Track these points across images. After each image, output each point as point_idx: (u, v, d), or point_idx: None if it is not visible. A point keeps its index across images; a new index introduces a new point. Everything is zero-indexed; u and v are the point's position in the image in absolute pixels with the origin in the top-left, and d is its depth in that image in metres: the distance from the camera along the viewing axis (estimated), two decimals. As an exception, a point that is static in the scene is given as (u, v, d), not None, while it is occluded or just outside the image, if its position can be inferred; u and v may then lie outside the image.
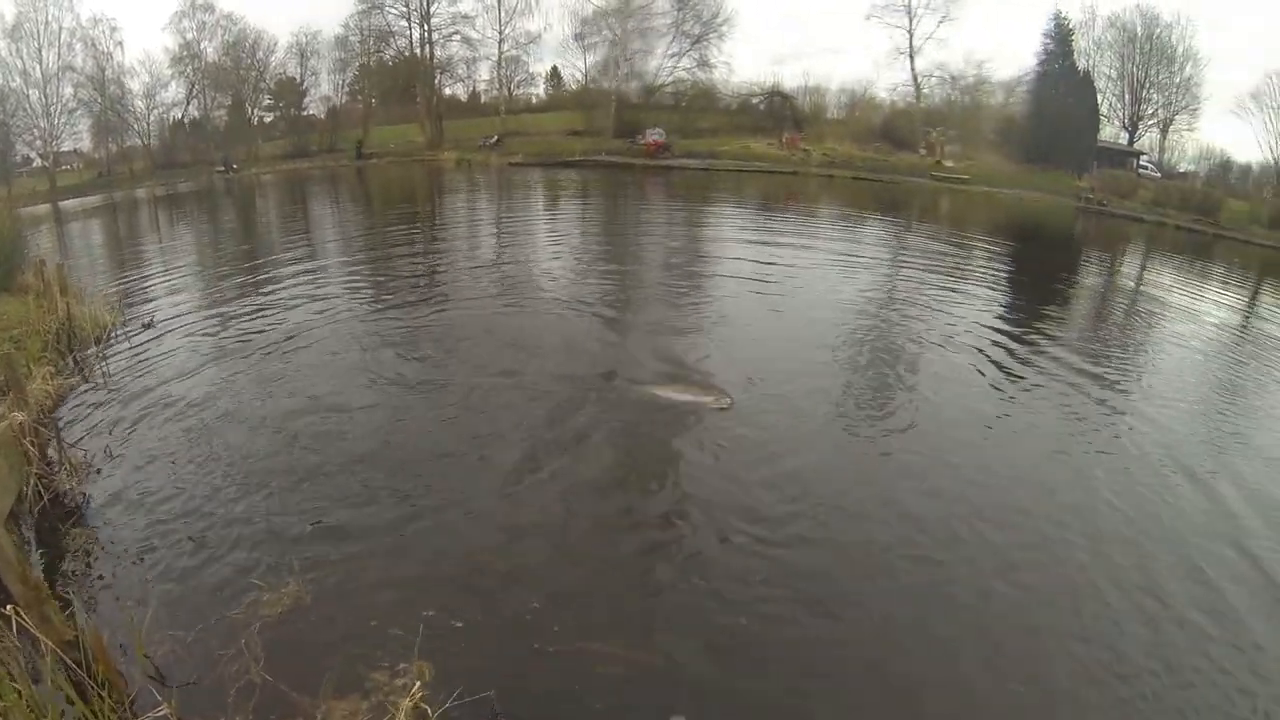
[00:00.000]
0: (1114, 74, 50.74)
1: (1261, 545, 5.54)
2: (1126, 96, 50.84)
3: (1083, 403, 8.34)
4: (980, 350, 9.86)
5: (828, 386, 8.10)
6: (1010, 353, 9.90)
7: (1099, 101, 49.02)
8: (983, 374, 9.04)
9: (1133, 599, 4.79)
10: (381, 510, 5.37)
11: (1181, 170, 48.89)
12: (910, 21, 51.37)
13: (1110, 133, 50.79)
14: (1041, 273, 17.88)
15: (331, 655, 3.86)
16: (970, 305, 12.24)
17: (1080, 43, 49.19)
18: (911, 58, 51.98)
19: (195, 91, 60.23)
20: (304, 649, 3.94)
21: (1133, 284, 18.32)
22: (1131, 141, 51.06)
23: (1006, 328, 11.10)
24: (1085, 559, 5.19)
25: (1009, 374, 9.13)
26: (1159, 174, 47.51)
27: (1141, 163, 49.41)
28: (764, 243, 17.35)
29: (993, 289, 14.31)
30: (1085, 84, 47.58)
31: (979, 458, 6.75)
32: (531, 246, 17.50)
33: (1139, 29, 49.83)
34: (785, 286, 12.71)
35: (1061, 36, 48.09)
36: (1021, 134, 47.66)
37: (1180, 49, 49.29)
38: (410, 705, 3.37)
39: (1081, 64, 48.71)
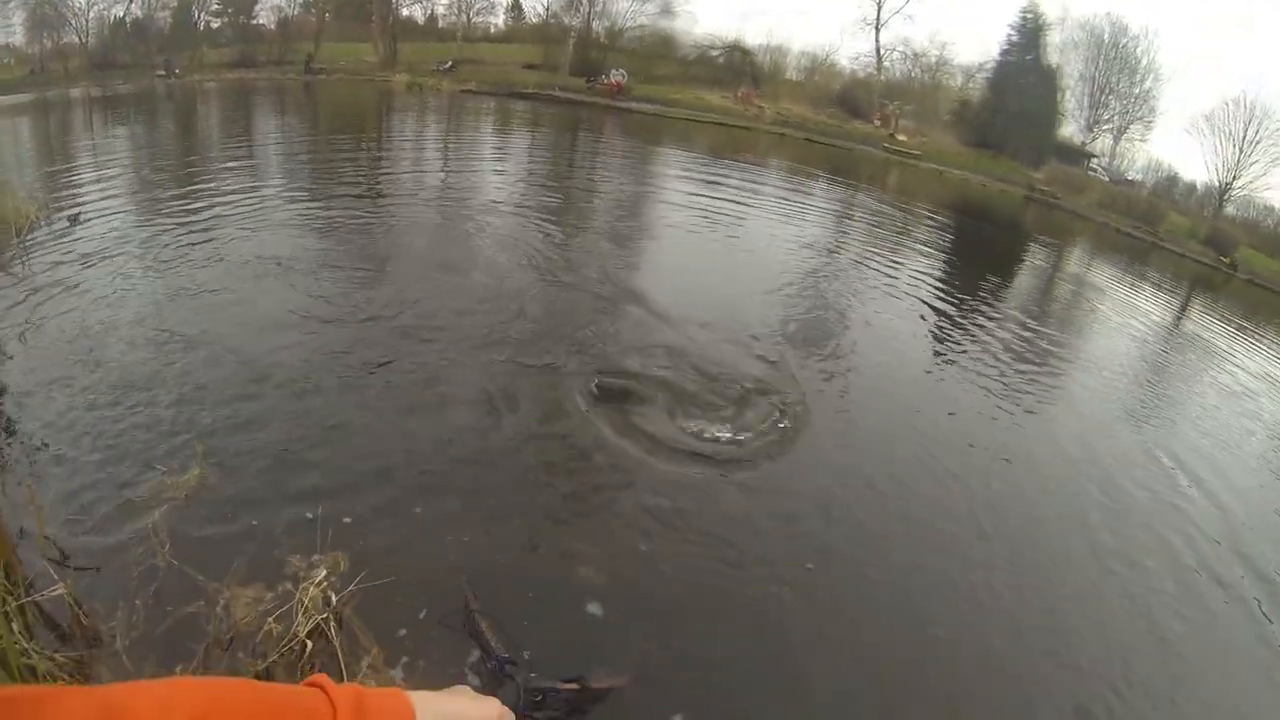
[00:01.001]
0: (1078, 75, 51.78)
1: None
2: (1087, 99, 51.95)
3: (1014, 370, 8.76)
4: (917, 312, 10.22)
5: (753, 322, 8.39)
6: (946, 316, 10.26)
7: (1060, 99, 49.95)
8: (916, 334, 9.36)
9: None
10: (290, 401, 5.44)
11: (1129, 178, 50.27)
12: (880, -8, 51.56)
13: (1068, 132, 51.91)
14: (985, 249, 18.41)
15: (238, 542, 3.87)
16: (909, 269, 12.57)
17: (1051, 39, 49.93)
18: (877, 29, 52.15)
19: (139, -11, 57.33)
20: (210, 535, 3.95)
21: (1074, 273, 18.98)
22: (1086, 143, 52.31)
23: (944, 294, 11.48)
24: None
25: (943, 337, 9.46)
26: (1108, 178, 48.77)
27: (1093, 165, 50.64)
28: (711, 187, 17.54)
29: (934, 258, 14.64)
30: (1050, 79, 48.28)
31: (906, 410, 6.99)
32: (479, 170, 17.45)
33: (1106, 35, 50.82)
34: (727, 230, 12.93)
35: (1031, 30, 48.65)
36: (977, 118, 48.33)
37: (1144, 61, 50.48)
38: (317, 592, 3.38)
39: (1049, 60, 49.46)
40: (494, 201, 13.19)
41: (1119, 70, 50.95)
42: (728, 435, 5.86)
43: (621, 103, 41.81)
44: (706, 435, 5.80)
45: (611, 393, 6.04)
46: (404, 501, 4.45)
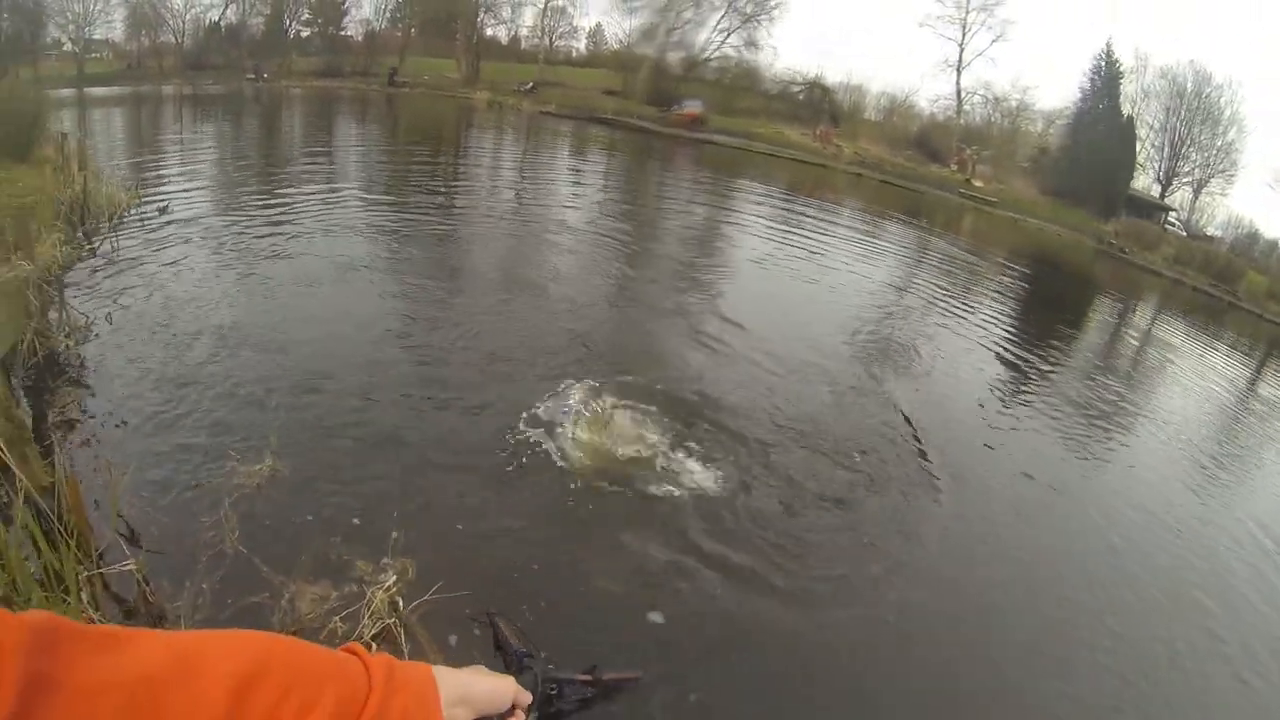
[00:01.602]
0: (1156, 125, 50.32)
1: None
2: (1165, 150, 50.42)
3: (1079, 430, 8.43)
4: (982, 361, 9.95)
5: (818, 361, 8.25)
6: (1013, 369, 9.97)
7: (1137, 149, 48.55)
8: (982, 382, 9.12)
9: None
10: (368, 403, 5.43)
11: (1208, 233, 48.62)
12: (963, 35, 51.02)
13: (1143, 183, 50.47)
14: (1055, 302, 17.98)
15: (308, 537, 3.84)
16: (979, 316, 12.29)
17: (1128, 88, 48.59)
18: (958, 72, 51.65)
19: (235, -4, 59.59)
20: (279, 527, 3.92)
21: (1143, 331, 18.38)
22: (1163, 195, 50.77)
23: (1012, 344, 11.17)
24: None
25: (1008, 390, 9.20)
26: (1185, 233, 47.20)
27: (1169, 219, 49.08)
28: (784, 227, 17.41)
29: (1004, 307, 14.31)
30: (1127, 129, 46.94)
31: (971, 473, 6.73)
32: (553, 191, 17.60)
33: (1189, 85, 49.30)
34: (797, 269, 12.80)
35: (1109, 77, 47.39)
36: (1054, 166, 47.27)
37: (1228, 113, 48.81)
38: (385, 597, 3.34)
39: (1126, 109, 48.11)
40: (565, 223, 13.27)
41: (1201, 121, 49.40)
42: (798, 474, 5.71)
43: (699, 134, 41.74)
44: (776, 463, 5.66)
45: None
46: (478, 519, 4.37)
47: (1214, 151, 49.70)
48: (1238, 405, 12.77)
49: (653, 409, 5.98)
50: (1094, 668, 4.36)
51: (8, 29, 50.39)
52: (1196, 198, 51.08)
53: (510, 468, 4.88)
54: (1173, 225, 48.57)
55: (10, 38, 49.62)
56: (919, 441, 6.75)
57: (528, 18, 59.74)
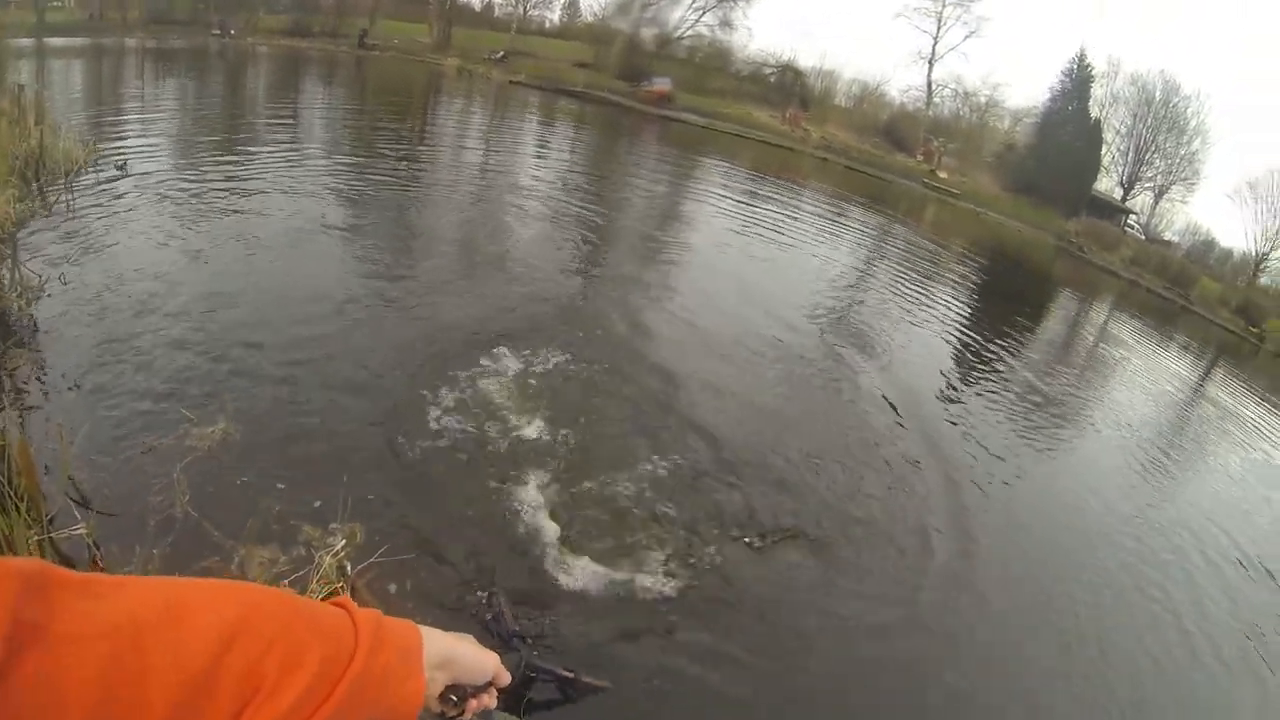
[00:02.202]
0: (1123, 130, 51.22)
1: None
2: (1130, 154, 51.41)
3: (1033, 418, 8.73)
4: (940, 349, 10.20)
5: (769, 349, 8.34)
6: (968, 359, 10.22)
7: (1103, 152, 49.35)
8: (939, 370, 9.36)
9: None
10: (322, 371, 5.47)
11: (1165, 238, 49.71)
12: (938, 29, 51.32)
13: (1106, 185, 51.41)
14: (1015, 295, 18.37)
15: (258, 501, 3.90)
16: (936, 305, 12.53)
17: (1098, 91, 49.31)
18: (930, 64, 52.05)
19: (204, -55, 57.96)
20: (230, 491, 3.97)
21: (1099, 328, 18.88)
22: (1124, 199, 51.78)
23: (970, 333, 11.44)
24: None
25: (965, 378, 9.45)
26: (1143, 236, 48.26)
27: (1129, 221, 50.09)
28: (747, 205, 17.55)
29: (962, 297, 14.58)
30: (1094, 131, 47.73)
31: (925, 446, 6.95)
32: (517, 162, 17.52)
33: (1158, 93, 50.18)
34: (758, 248, 12.93)
35: (1080, 80, 48.06)
36: (1019, 163, 47.93)
37: (1193, 123, 49.83)
38: (333, 561, 3.40)
39: (1095, 112, 48.82)
40: (528, 194, 13.31)
41: (1166, 129, 50.39)
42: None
43: (668, 111, 41.63)
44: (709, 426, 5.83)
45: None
46: (428, 485, 4.46)
47: (1177, 160, 50.83)
48: (1186, 403, 13.26)
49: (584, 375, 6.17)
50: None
51: None
52: (1157, 203, 52.25)
53: (450, 435, 4.98)
54: (1132, 228, 49.72)
55: None
56: (874, 420, 6.97)
57: (502, -17, 58.93)
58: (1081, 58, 47.99)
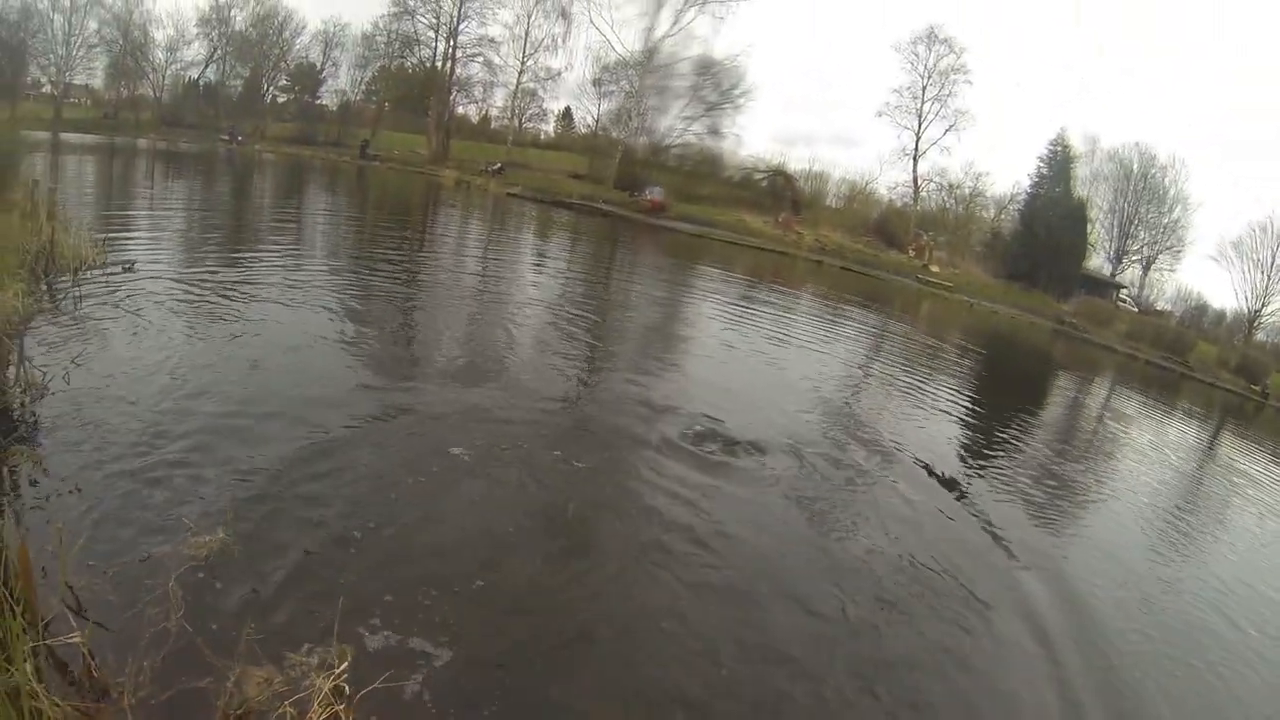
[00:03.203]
0: (1106, 206, 52.73)
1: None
2: (1115, 229, 52.82)
3: (1043, 498, 8.65)
4: (946, 436, 10.15)
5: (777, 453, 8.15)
6: (969, 449, 10.15)
7: (1089, 230, 50.59)
8: (946, 455, 9.27)
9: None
10: (322, 482, 5.26)
11: (1158, 308, 50.48)
12: (919, 124, 53.32)
13: (1096, 263, 52.59)
14: (1011, 382, 18.49)
15: (252, 616, 3.72)
16: (936, 402, 12.52)
17: (1080, 171, 50.91)
18: (915, 160, 53.97)
19: (216, 56, 60.77)
20: (225, 605, 3.80)
21: (1099, 405, 18.94)
22: (1114, 273, 52.85)
23: (969, 425, 11.41)
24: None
25: (966, 470, 9.34)
26: (1137, 308, 49.01)
27: (1122, 295, 50.98)
28: (746, 310, 17.73)
29: (960, 390, 14.60)
30: (1079, 211, 49.12)
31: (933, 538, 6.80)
32: (516, 274, 17.51)
33: (1135, 166, 51.90)
34: (755, 356, 12.93)
35: (1062, 162, 49.62)
36: (1008, 250, 48.94)
37: (1172, 191, 51.49)
38: (330, 685, 3.27)
39: (1078, 192, 50.22)
40: (527, 305, 13.31)
41: (1147, 200, 52.00)
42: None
43: (662, 220, 42.47)
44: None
45: None
46: (434, 608, 4.25)
47: (1160, 229, 52.33)
48: (1195, 469, 13.25)
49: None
50: None
51: None
52: (1146, 274, 53.57)
53: (468, 560, 4.79)
54: (1125, 301, 50.52)
55: None
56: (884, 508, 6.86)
57: (499, 98, 60.90)
58: (1061, 140, 49.85)
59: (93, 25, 56.50)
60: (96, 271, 9.49)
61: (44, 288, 8.33)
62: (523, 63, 57.79)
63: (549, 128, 64.28)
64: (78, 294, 8.31)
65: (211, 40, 60.83)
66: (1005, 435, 11.57)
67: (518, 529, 5.27)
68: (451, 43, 57.83)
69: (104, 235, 11.05)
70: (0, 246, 8.61)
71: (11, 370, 5.67)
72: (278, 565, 4.22)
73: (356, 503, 5.08)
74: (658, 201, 45.53)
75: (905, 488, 7.80)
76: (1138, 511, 9.48)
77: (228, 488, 4.89)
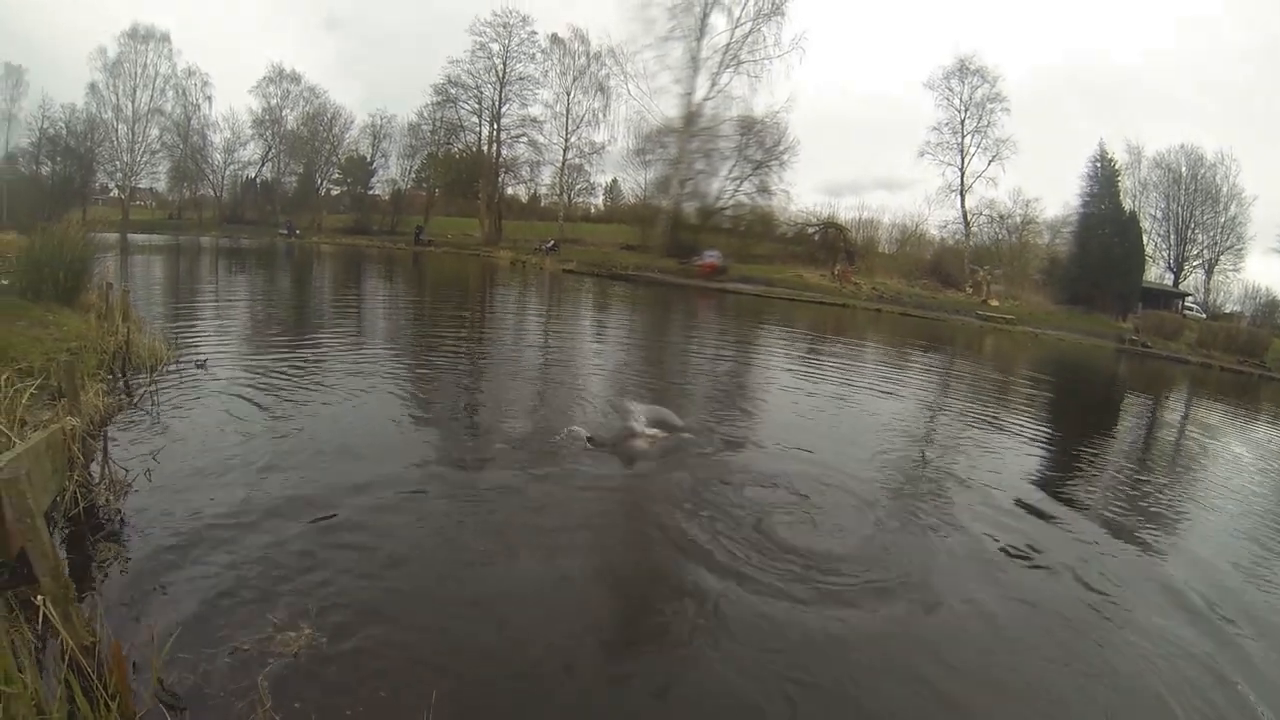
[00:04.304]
0: (1159, 214, 51.21)
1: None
2: (1172, 237, 51.24)
3: (1132, 523, 8.18)
4: (1012, 486, 9.68)
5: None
6: (1043, 488, 9.68)
7: (1144, 242, 48.94)
8: (1014, 510, 8.83)
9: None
10: (408, 575, 5.17)
11: (1227, 311, 48.44)
12: (962, 160, 52.82)
13: (1155, 274, 50.87)
14: (1080, 410, 17.85)
15: (339, 711, 3.73)
16: (1007, 440, 12.12)
17: (1126, 183, 49.51)
18: (962, 195, 53.30)
19: (271, 155, 64.17)
20: (311, 700, 3.79)
21: (1180, 419, 18.13)
22: (1176, 282, 51.03)
23: (1041, 463, 10.96)
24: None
25: (1052, 492, 8.97)
26: (1204, 314, 47.14)
27: (1186, 304, 49.12)
28: (811, 368, 17.49)
29: (1031, 425, 14.13)
30: (1131, 225, 47.60)
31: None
32: (580, 346, 17.42)
33: (1183, 169, 50.29)
34: (829, 408, 12.67)
35: (1105, 178, 48.24)
36: (1064, 275, 47.59)
37: (1225, 188, 49.78)
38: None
39: (1127, 205, 48.79)
40: (596, 376, 13.16)
41: (1201, 202, 50.31)
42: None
43: (721, 284, 42.69)
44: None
45: None
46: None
47: (1218, 230, 50.43)
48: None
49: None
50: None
51: (60, 172, 54.28)
52: (1210, 278, 51.69)
53: (574, 649, 4.58)
54: (1191, 309, 48.56)
55: (62, 180, 53.34)
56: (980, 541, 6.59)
57: (546, 176, 62.30)
58: (1103, 155, 48.41)
59: (154, 132, 60.78)
60: (170, 369, 9.84)
61: (122, 386, 8.64)
62: (566, 139, 59.25)
63: (598, 201, 65.53)
64: (154, 391, 8.57)
65: (266, 140, 64.31)
66: (1086, 460, 11.09)
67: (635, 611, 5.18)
68: (495, 125, 59.83)
69: (175, 332, 11.46)
70: (80, 348, 9.01)
71: (95, 468, 5.84)
72: (365, 663, 4.15)
73: (443, 595, 4.96)
74: (715, 265, 45.69)
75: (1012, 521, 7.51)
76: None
77: (311, 582, 4.85)
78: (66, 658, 3.30)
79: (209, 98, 62.08)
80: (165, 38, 58.94)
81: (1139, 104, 77.50)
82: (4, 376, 6.35)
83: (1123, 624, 5.68)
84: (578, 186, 62.76)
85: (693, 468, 8.00)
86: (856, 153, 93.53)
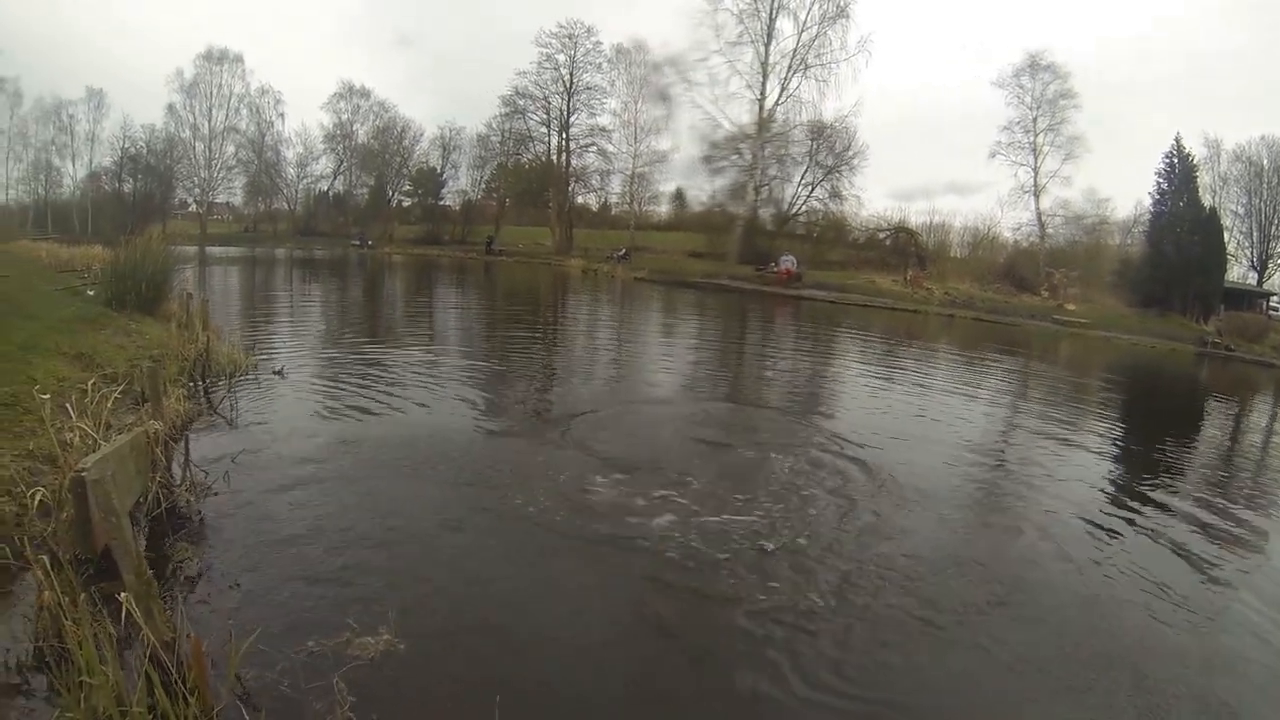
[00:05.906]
0: (1241, 210, 48.51)
1: None
2: (1255, 234, 48.46)
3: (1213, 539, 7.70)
4: (1088, 498, 9.22)
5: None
6: (1118, 502, 9.21)
7: (1225, 239, 46.41)
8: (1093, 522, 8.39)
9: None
10: (488, 585, 5.14)
11: None
12: (1035, 159, 51.05)
13: (1238, 273, 48.19)
14: (1168, 412, 17.10)
15: (415, 713, 3.74)
16: (1088, 441, 11.65)
17: (1204, 178, 46.92)
18: (1036, 196, 51.40)
19: (343, 168, 66.08)
20: (390, 702, 3.80)
21: (1260, 434, 17.10)
22: (1260, 281, 48.29)
23: (1117, 476, 10.45)
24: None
25: (1114, 527, 8.48)
26: None
27: (1271, 304, 46.35)
28: (890, 367, 17.16)
29: (1111, 429, 13.56)
30: (1211, 222, 44.88)
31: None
32: (655, 365, 16.30)
33: (1265, 161, 47.59)
34: (909, 403, 12.41)
35: (1183, 172, 45.64)
36: (1137, 276, 45.40)
37: None
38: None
39: (1207, 201, 46.16)
40: (675, 387, 13.06)
41: None
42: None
43: (795, 290, 42.22)
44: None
45: None
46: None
47: None
48: None
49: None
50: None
51: (141, 188, 57.10)
52: None
53: (646, 658, 4.55)
54: (1276, 310, 45.78)
55: (143, 196, 56.08)
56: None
57: (616, 185, 62.47)
58: (1179, 149, 46.02)
59: (230, 149, 63.19)
60: (248, 376, 10.14)
61: (202, 392, 8.91)
62: (635, 147, 59.40)
63: (663, 209, 65.47)
64: (233, 399, 8.81)
65: (338, 154, 66.23)
66: (1170, 469, 10.56)
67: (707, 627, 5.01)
68: (564, 135, 60.35)
69: (252, 341, 11.77)
70: (161, 355, 9.33)
71: (177, 470, 5.99)
72: (443, 668, 4.16)
73: (518, 603, 4.93)
74: (791, 271, 45.40)
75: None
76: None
77: (389, 588, 4.88)
78: (148, 652, 3.37)
79: (282, 115, 64.31)
80: (239, 59, 61.25)
81: (1212, 100, 73.81)
82: (90, 382, 6.61)
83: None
84: (646, 195, 62.92)
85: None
86: (926, 156, 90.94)
